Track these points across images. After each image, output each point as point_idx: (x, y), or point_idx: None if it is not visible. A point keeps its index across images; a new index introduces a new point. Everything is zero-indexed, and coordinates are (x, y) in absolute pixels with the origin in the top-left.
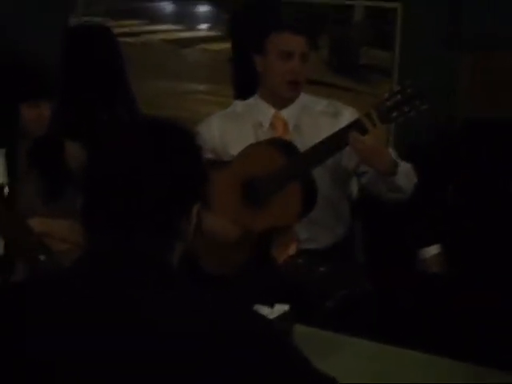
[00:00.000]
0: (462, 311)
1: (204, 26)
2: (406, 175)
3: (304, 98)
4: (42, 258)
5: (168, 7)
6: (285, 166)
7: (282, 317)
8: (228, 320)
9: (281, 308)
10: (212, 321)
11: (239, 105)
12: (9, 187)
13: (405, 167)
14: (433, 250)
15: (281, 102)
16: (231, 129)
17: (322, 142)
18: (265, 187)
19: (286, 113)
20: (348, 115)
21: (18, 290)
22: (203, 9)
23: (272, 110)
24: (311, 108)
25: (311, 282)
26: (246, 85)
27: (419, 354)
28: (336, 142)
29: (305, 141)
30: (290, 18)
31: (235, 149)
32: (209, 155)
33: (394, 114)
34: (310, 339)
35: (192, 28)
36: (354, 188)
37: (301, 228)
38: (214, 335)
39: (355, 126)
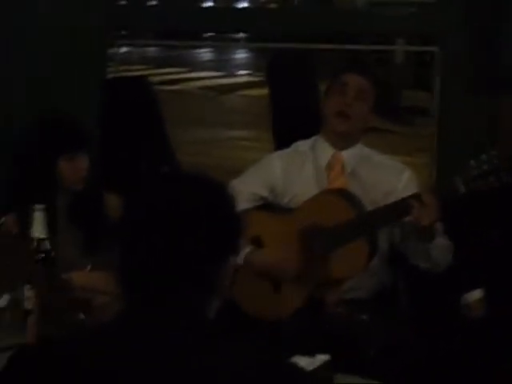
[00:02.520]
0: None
1: (243, 72)
2: (441, 248)
3: (365, 149)
4: (82, 316)
5: (206, 55)
6: (355, 221)
7: (323, 366)
8: (264, 376)
9: (321, 358)
10: (249, 377)
11: (300, 144)
12: (49, 243)
13: (442, 240)
14: (476, 294)
15: (339, 142)
16: (293, 167)
17: (389, 206)
18: (331, 238)
19: (345, 154)
20: (407, 176)
21: (58, 349)
22: (242, 55)
23: (331, 150)
24: (371, 158)
25: (352, 330)
26: (285, 131)
27: None
28: (401, 209)
29: (360, 188)
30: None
31: (296, 188)
32: (265, 193)
33: (479, 183)
34: None
35: (231, 74)
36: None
37: None
38: None
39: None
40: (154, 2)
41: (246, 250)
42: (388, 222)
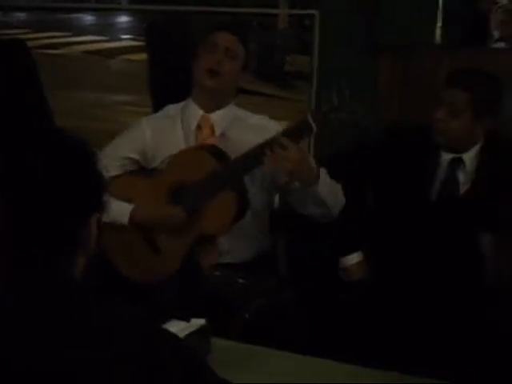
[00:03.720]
0: (383, 319)
1: (126, 37)
2: (329, 189)
3: (236, 109)
4: None
5: (89, 18)
6: (217, 173)
7: (199, 331)
8: (133, 338)
9: (197, 322)
10: (115, 338)
11: (171, 108)
12: None
13: (328, 180)
14: (354, 258)
15: (209, 103)
16: (162, 131)
17: (251, 151)
18: (196, 194)
19: (214, 116)
20: (273, 129)
21: None
22: (124, 19)
23: (201, 112)
24: (242, 120)
25: (229, 293)
26: (164, 96)
27: (339, 365)
28: (257, 156)
29: (231, 150)
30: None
31: (166, 151)
32: (136, 156)
33: (332, 116)
34: (228, 352)
35: (115, 39)
36: (276, 199)
37: (222, 240)
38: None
39: (272, 144)
40: None
41: (128, 207)
42: (249, 168)
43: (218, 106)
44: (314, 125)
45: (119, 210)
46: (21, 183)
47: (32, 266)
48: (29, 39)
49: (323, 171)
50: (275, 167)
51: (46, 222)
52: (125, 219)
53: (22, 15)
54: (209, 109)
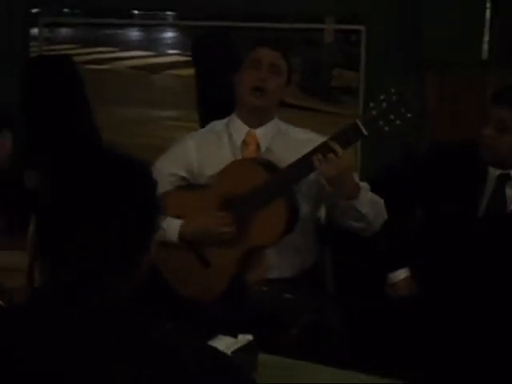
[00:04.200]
0: (430, 336)
1: (172, 52)
2: (370, 204)
3: (280, 124)
4: None
5: (135, 34)
6: (268, 183)
7: (246, 347)
8: (181, 355)
9: (244, 338)
10: (163, 356)
11: (217, 124)
12: None
13: (370, 195)
14: (401, 273)
15: (254, 119)
16: (208, 147)
17: (298, 161)
18: (247, 205)
19: (259, 132)
20: (318, 141)
21: None
22: (170, 35)
23: (246, 128)
24: (286, 134)
25: (276, 309)
26: (211, 111)
27: (384, 381)
28: (307, 163)
29: (276, 163)
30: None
31: (213, 166)
32: (182, 173)
33: (381, 123)
34: (275, 368)
35: (160, 54)
36: (322, 213)
37: (270, 254)
38: (166, 372)
39: (322, 149)
40: None
41: (176, 223)
42: (299, 178)
43: (263, 122)
44: (363, 129)
45: (169, 228)
46: (82, 202)
47: (93, 284)
48: (76, 54)
49: (365, 187)
50: (322, 172)
51: (108, 242)
52: (175, 236)
53: (68, 31)
54: (253, 124)
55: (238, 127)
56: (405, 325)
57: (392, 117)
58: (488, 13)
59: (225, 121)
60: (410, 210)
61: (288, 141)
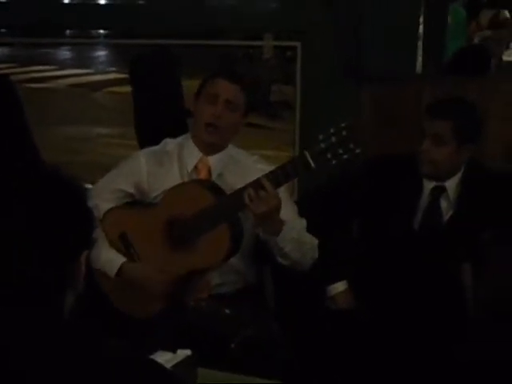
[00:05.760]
0: (369, 348)
1: (111, 69)
2: (295, 243)
3: (233, 150)
4: None
5: (72, 52)
6: (214, 206)
7: (185, 362)
8: (122, 370)
9: (183, 353)
10: (105, 371)
11: (169, 143)
12: None
13: (296, 234)
14: (339, 286)
15: (207, 148)
16: (159, 165)
17: (235, 193)
18: (192, 227)
19: (212, 159)
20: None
21: None
22: (107, 52)
23: (199, 154)
24: (238, 161)
25: (215, 324)
26: (148, 129)
27: None
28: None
29: (226, 191)
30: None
31: (162, 186)
32: (130, 189)
33: (329, 156)
34: (214, 382)
35: (99, 72)
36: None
37: (213, 274)
38: None
39: (253, 185)
40: None
41: (117, 262)
42: (239, 207)
43: (216, 150)
44: (311, 161)
45: (110, 262)
46: (7, 219)
47: (20, 303)
48: (14, 73)
49: (296, 225)
50: (251, 208)
51: (34, 259)
52: (113, 272)
53: (6, 50)
54: (207, 152)
55: (191, 151)
56: (345, 338)
57: (341, 151)
58: (421, 28)
59: (178, 140)
60: (347, 223)
61: (239, 168)
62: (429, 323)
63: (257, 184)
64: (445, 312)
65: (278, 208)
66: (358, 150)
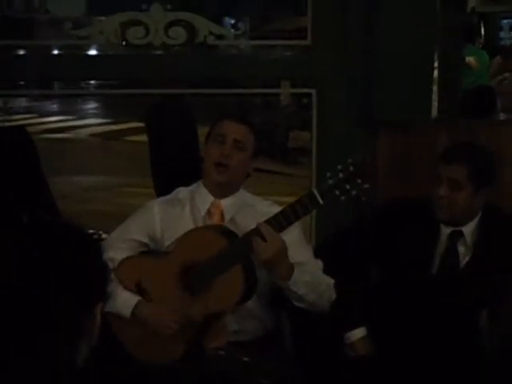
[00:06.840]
0: None
1: (126, 119)
2: (309, 286)
3: (246, 195)
4: None
5: (90, 103)
6: (227, 248)
7: None
8: None
9: None
10: None
11: (182, 191)
12: None
13: (309, 277)
14: (358, 333)
15: (219, 191)
16: (172, 214)
17: (245, 235)
18: (206, 271)
19: (224, 202)
20: None
21: None
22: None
23: (211, 198)
24: (251, 206)
25: (234, 372)
26: (164, 177)
27: None
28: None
29: (239, 234)
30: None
31: (175, 234)
32: (144, 239)
33: (337, 193)
34: None
35: (116, 121)
36: None
37: (231, 320)
38: None
39: (254, 232)
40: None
41: (132, 301)
42: (247, 252)
43: (228, 193)
44: (320, 198)
45: (125, 302)
46: (22, 275)
47: (36, 354)
48: (32, 124)
49: (309, 267)
50: (256, 254)
51: (49, 311)
52: (128, 311)
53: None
54: (219, 195)
55: (203, 196)
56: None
57: (348, 187)
58: (436, 72)
59: (190, 188)
60: (365, 270)
61: (252, 213)
62: (447, 368)
63: (256, 232)
64: (463, 357)
65: (282, 252)
66: (366, 185)
